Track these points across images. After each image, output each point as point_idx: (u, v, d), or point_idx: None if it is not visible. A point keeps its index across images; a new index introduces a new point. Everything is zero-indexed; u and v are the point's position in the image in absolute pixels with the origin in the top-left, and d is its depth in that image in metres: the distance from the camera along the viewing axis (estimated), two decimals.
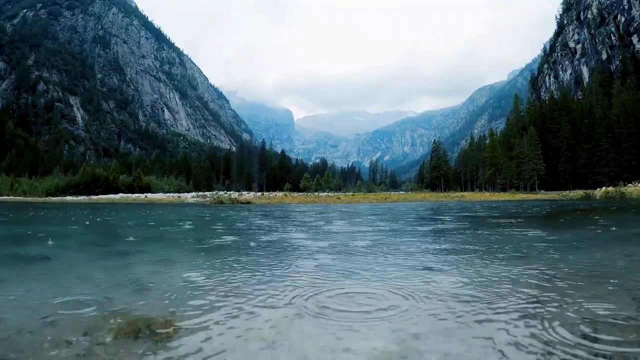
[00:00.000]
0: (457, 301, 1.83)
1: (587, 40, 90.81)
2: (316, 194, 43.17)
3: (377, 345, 1.31)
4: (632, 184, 25.10)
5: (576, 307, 1.68)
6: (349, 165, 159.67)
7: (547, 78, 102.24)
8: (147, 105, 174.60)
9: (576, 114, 53.66)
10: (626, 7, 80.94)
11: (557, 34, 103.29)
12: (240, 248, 4.06)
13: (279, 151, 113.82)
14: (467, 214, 10.40)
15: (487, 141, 67.06)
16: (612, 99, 53.38)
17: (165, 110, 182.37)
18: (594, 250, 3.46)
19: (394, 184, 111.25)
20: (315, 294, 2.03)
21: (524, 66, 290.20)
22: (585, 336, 1.34)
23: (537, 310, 1.66)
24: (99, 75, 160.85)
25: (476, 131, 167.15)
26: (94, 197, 36.78)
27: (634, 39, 77.09)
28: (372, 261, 3.10)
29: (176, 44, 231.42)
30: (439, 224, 7.13)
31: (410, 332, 1.43)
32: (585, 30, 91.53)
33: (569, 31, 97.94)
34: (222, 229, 6.73)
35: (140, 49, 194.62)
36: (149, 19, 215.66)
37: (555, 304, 1.74)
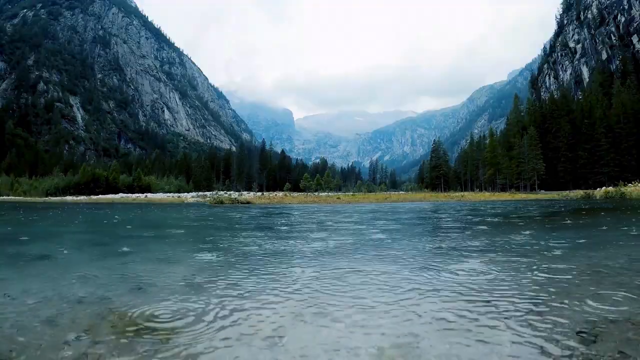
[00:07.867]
0: (457, 300, 1.83)
1: (587, 40, 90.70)
2: (316, 193, 43.15)
3: (378, 345, 1.30)
4: (632, 184, 25.05)
5: (577, 306, 1.68)
6: (349, 165, 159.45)
7: (547, 78, 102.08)
8: (147, 105, 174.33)
9: (576, 114, 53.60)
10: (626, 7, 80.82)
11: (557, 34, 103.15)
12: (239, 248, 4.06)
13: (279, 151, 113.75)
14: (473, 215, 10.39)
15: (487, 141, 66.93)
16: (612, 99, 53.30)
17: (165, 110, 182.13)
18: (594, 250, 3.47)
19: (394, 184, 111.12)
20: (316, 294, 2.04)
21: (524, 66, 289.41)
22: (586, 335, 1.33)
23: (538, 309, 1.65)
24: (99, 75, 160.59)
25: (476, 131, 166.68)
26: (94, 197, 36.77)
27: (634, 39, 77.00)
28: (369, 261, 3.10)
29: (176, 44, 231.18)
30: (440, 227, 7.13)
31: (411, 332, 1.41)
32: (585, 30, 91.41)
33: (569, 31, 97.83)
34: (221, 229, 6.73)
35: (140, 49, 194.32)
36: (149, 19, 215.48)
37: (556, 303, 1.73)
